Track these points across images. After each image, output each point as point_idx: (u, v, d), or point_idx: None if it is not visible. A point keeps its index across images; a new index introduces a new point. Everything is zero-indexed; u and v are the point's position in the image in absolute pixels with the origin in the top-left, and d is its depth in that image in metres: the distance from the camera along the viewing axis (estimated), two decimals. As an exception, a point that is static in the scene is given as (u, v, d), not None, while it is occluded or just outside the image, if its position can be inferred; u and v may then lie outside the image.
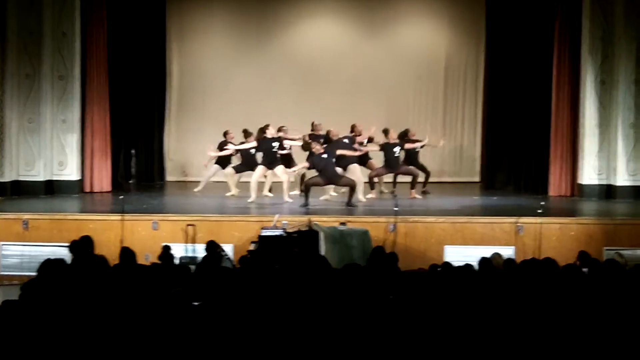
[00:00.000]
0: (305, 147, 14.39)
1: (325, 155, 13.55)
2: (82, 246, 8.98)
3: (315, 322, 5.43)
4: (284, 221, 11.70)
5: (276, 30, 18.31)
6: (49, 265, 6.66)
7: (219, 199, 14.59)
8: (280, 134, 14.57)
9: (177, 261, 9.84)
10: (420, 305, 6.04)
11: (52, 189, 14.88)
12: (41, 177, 14.80)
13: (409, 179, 15.22)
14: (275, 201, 14.08)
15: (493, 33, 17.56)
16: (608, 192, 14.93)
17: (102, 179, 15.55)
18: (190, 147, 17.98)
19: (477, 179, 18.17)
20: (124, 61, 16.75)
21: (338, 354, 5.12)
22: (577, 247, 10.88)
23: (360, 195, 14.09)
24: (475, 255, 8.91)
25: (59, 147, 14.99)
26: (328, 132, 14.68)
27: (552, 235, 12.05)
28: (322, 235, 11.29)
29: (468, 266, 7.65)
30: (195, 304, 5.99)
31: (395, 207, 12.04)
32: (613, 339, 5.39)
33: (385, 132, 14.96)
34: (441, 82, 18.41)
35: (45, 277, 6.46)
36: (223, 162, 15.16)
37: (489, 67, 17.70)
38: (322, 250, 11.11)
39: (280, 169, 14.26)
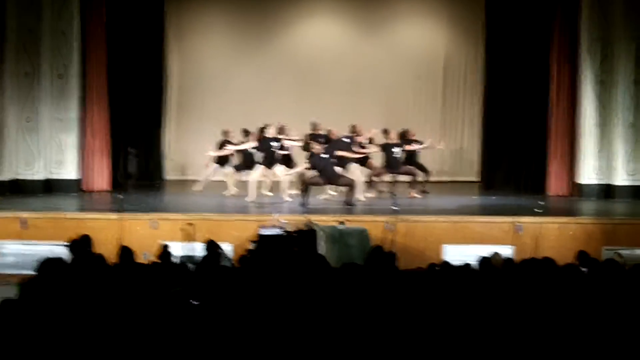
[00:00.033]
0: (305, 147, 14.39)
1: (325, 155, 13.56)
2: (81, 245, 8.99)
3: (314, 321, 5.43)
4: (283, 220, 11.69)
5: (276, 29, 18.32)
6: (48, 264, 6.65)
7: (218, 198, 14.59)
8: (282, 137, 14.54)
9: (175, 260, 9.83)
10: (419, 304, 6.04)
11: (50, 187, 14.88)
12: (40, 176, 14.80)
13: (408, 178, 15.23)
14: (274, 200, 14.08)
15: (492, 33, 17.58)
16: (607, 192, 14.95)
17: (101, 178, 15.54)
18: (190, 146, 18.00)
19: (476, 178, 18.18)
20: (123, 60, 16.74)
21: (337, 353, 5.12)
22: (576, 247, 10.87)
23: (359, 195, 14.10)
24: (474, 254, 8.91)
25: (58, 146, 14.99)
26: (328, 132, 14.70)
27: (551, 235, 12.05)
28: (320, 235, 11.29)
29: (467, 266, 7.65)
30: (194, 303, 5.98)
31: (394, 206, 12.03)
32: (612, 339, 5.39)
33: (385, 132, 14.98)
34: (440, 82, 18.43)
35: (43, 276, 6.45)
36: (222, 161, 15.16)
37: (488, 67, 17.71)
38: (321, 249, 11.11)
39: (279, 168, 14.26)
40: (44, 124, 14.80)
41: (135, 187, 16.44)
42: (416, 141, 15.44)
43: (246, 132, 14.76)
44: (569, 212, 13.55)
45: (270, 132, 14.31)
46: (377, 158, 15.26)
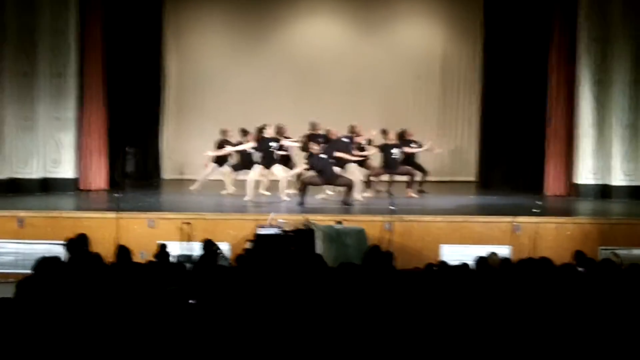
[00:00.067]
0: (304, 147, 14.40)
1: (323, 156, 13.57)
2: (78, 244, 9.00)
3: (311, 321, 5.43)
4: (280, 220, 11.69)
5: (274, 29, 18.31)
6: (45, 263, 6.66)
7: (215, 197, 14.58)
8: (282, 139, 14.52)
9: (173, 259, 9.83)
10: (417, 304, 6.04)
11: (47, 186, 14.85)
12: (37, 175, 14.77)
13: (406, 178, 15.23)
14: (271, 200, 14.07)
15: (490, 33, 17.59)
16: (604, 192, 14.96)
17: (98, 177, 15.52)
18: (188, 146, 17.99)
19: (473, 178, 18.19)
20: (121, 59, 16.71)
21: (334, 353, 5.12)
22: (573, 247, 10.88)
23: (357, 194, 14.10)
24: (471, 254, 8.92)
25: (55, 145, 14.96)
26: (327, 132, 14.70)
27: (548, 235, 12.06)
28: (318, 234, 11.29)
29: (464, 265, 7.66)
30: (191, 302, 5.98)
31: (392, 206, 12.04)
32: (609, 338, 5.39)
33: (384, 132, 14.98)
34: (438, 82, 18.43)
35: (40, 275, 6.45)
36: (220, 160, 15.15)
37: (486, 67, 17.73)
38: (319, 249, 11.11)
39: (277, 168, 14.26)
40: (42, 123, 14.78)
41: (133, 187, 16.44)
42: (414, 142, 15.44)
43: (244, 132, 14.75)
44: (566, 212, 13.56)
45: (269, 132, 14.30)
46: (375, 158, 15.25)
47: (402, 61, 18.24)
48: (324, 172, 13.52)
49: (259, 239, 11.12)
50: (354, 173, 14.31)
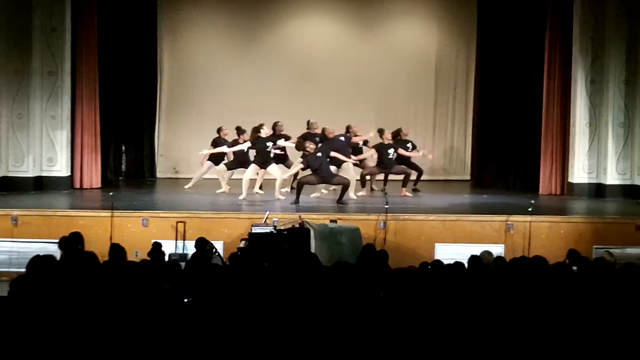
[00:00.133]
0: (299, 147, 14.40)
1: (319, 154, 13.57)
2: (72, 242, 8.97)
3: (305, 320, 5.43)
4: (274, 218, 11.69)
5: (269, 28, 18.27)
6: (38, 262, 6.64)
7: (209, 195, 14.56)
8: (278, 139, 14.51)
9: (167, 258, 9.82)
10: (411, 302, 6.04)
11: (41, 185, 14.81)
12: (30, 173, 14.73)
13: (400, 176, 15.23)
14: (266, 198, 14.07)
15: (484, 32, 17.62)
16: (598, 190, 14.98)
17: (92, 176, 15.47)
18: (182, 144, 17.97)
19: (467, 177, 18.22)
20: (115, 57, 16.70)
21: (328, 352, 5.12)
22: (567, 246, 10.91)
23: (352, 193, 14.10)
24: (465, 253, 8.94)
25: (49, 143, 14.92)
26: (323, 130, 14.71)
27: (541, 234, 12.09)
28: (312, 233, 11.29)
29: (458, 264, 7.67)
30: (186, 300, 5.98)
31: (386, 205, 12.05)
32: (602, 337, 5.40)
33: (380, 132, 14.99)
34: (433, 81, 18.41)
35: (34, 274, 6.44)
36: (216, 159, 15.13)
37: (480, 66, 17.75)
38: (313, 247, 11.11)
39: (273, 167, 14.26)
40: (35, 121, 14.74)
41: (127, 185, 16.43)
42: (409, 141, 15.44)
43: (240, 130, 14.73)
44: (560, 210, 13.58)
45: (265, 132, 14.29)
46: (371, 157, 15.27)
47: (397, 60, 18.22)
48: (320, 170, 13.52)
49: (253, 238, 11.11)
50: (350, 172, 14.32)
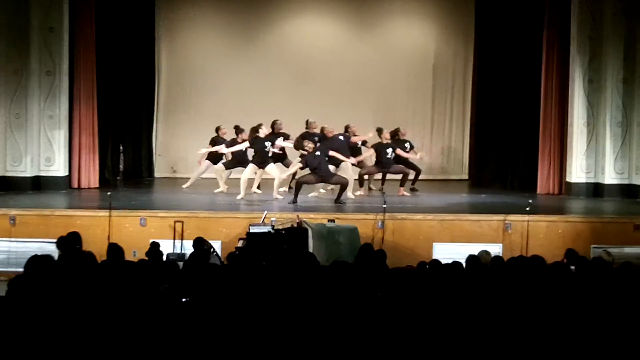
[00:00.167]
0: (298, 146, 14.40)
1: (318, 153, 13.57)
2: (70, 242, 8.96)
3: (303, 319, 5.43)
4: (272, 218, 11.69)
5: (267, 27, 18.26)
6: (36, 262, 6.64)
7: (207, 195, 14.56)
8: (277, 139, 14.51)
9: (164, 258, 9.82)
10: (409, 302, 6.04)
11: (39, 184, 14.79)
12: (28, 173, 14.71)
13: (398, 176, 15.23)
14: (264, 198, 14.07)
15: (482, 31, 17.65)
16: (596, 190, 14.99)
17: (89, 175, 15.46)
18: (180, 144, 17.96)
19: (465, 176, 18.23)
20: (113, 57, 16.68)
21: (326, 351, 5.12)
22: (565, 245, 10.92)
23: (349, 193, 14.11)
24: (463, 252, 8.95)
25: (47, 143, 14.91)
26: (322, 129, 14.72)
27: (539, 233, 12.10)
28: (310, 232, 11.29)
29: (456, 263, 7.67)
30: (183, 300, 5.98)
31: (384, 204, 12.05)
32: (600, 337, 5.41)
33: (379, 131, 14.99)
34: (431, 80, 18.41)
35: (32, 273, 6.43)
36: (215, 158, 15.12)
37: (478, 65, 17.78)
38: (311, 247, 11.12)
39: (272, 166, 14.25)
40: (33, 121, 14.72)
41: (125, 185, 16.43)
42: (406, 141, 15.44)
43: (238, 129, 14.73)
44: (558, 210, 13.59)
45: (263, 132, 14.29)
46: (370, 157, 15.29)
47: (395, 60, 18.22)
48: (318, 169, 13.52)
49: (251, 237, 11.11)
50: (348, 172, 14.32)
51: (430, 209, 13.08)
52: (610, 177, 14.89)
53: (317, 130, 14.88)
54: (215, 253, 10.34)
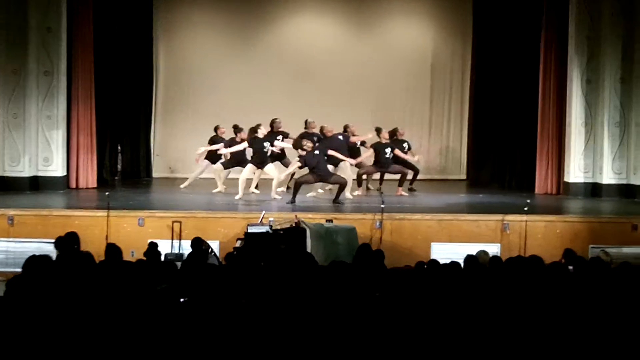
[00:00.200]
0: (297, 145, 14.39)
1: (317, 152, 13.57)
2: (68, 242, 8.97)
3: (301, 319, 5.43)
4: (270, 218, 11.69)
5: (265, 27, 18.25)
6: (34, 262, 6.64)
7: (205, 195, 14.56)
8: (275, 139, 14.50)
9: (163, 258, 9.82)
10: (407, 302, 6.04)
11: (37, 185, 14.78)
12: (26, 173, 14.70)
13: (396, 176, 15.23)
14: (262, 198, 14.07)
15: (480, 31, 17.66)
16: (594, 190, 14.99)
17: (87, 175, 15.46)
18: (177, 144, 17.95)
19: (463, 176, 18.24)
20: (111, 57, 16.68)
21: (325, 351, 5.12)
22: (563, 245, 10.94)
23: (348, 193, 14.11)
24: (461, 252, 8.95)
25: (45, 143, 14.90)
26: (322, 129, 14.72)
27: (537, 233, 12.10)
28: (308, 233, 11.29)
29: (454, 263, 7.67)
30: (181, 300, 5.98)
31: (382, 204, 12.05)
32: (598, 336, 5.41)
33: (378, 130, 14.99)
34: (428, 80, 18.42)
35: (30, 274, 6.43)
36: (213, 157, 15.11)
37: (476, 65, 17.79)
38: (309, 247, 11.12)
39: (270, 167, 14.25)
40: (31, 121, 14.71)
41: (123, 185, 16.42)
42: (405, 141, 15.43)
43: (237, 128, 14.72)
44: (556, 210, 13.59)
45: (262, 132, 14.29)
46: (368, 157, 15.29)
47: (393, 60, 18.22)
48: (317, 169, 13.51)
49: (249, 238, 11.11)
50: (347, 171, 14.32)
51: (428, 209, 13.08)
52: (608, 177, 14.90)
53: (316, 130, 14.88)
54: (213, 253, 10.34)
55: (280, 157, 14.93)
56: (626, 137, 14.87)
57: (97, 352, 5.05)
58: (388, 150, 14.77)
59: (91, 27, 15.37)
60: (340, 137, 14.62)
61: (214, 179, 15.07)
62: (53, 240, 9.24)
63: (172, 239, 11.73)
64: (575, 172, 15.12)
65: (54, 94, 14.85)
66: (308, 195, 14.30)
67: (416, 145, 16.41)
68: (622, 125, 14.86)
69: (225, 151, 14.66)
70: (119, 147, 17.63)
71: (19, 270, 6.63)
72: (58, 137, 14.96)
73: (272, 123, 14.87)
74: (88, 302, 5.72)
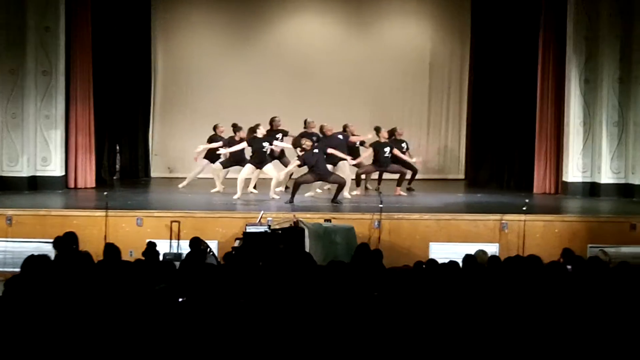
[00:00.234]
0: (296, 144, 14.39)
1: (316, 151, 13.57)
2: (66, 242, 8.96)
3: (299, 319, 5.43)
4: (269, 218, 11.69)
5: (263, 26, 18.24)
6: (33, 261, 6.64)
7: (204, 195, 14.56)
8: (274, 139, 14.49)
9: (161, 257, 9.82)
10: (405, 302, 6.05)
11: (35, 184, 14.77)
12: (25, 173, 14.69)
13: (395, 175, 15.23)
14: (260, 198, 14.07)
15: (478, 31, 17.66)
16: (592, 189, 15.00)
17: (86, 175, 15.45)
18: (176, 144, 17.93)
19: (461, 176, 18.23)
20: (109, 57, 16.67)
21: (323, 351, 5.12)
22: (561, 245, 10.93)
23: (346, 192, 14.11)
24: (460, 252, 8.94)
25: (43, 143, 14.89)
26: (321, 128, 14.71)
27: (536, 233, 12.10)
28: (307, 232, 11.29)
29: (453, 263, 7.67)
30: (180, 300, 5.98)
31: (381, 204, 12.05)
32: (596, 336, 5.41)
33: (377, 130, 14.98)
34: (427, 80, 18.42)
35: (28, 273, 6.43)
36: (212, 157, 15.10)
37: (474, 65, 17.79)
38: (307, 247, 11.11)
39: (269, 167, 14.25)
40: (29, 121, 14.70)
41: (121, 185, 16.41)
42: (403, 141, 15.43)
43: (236, 127, 14.72)
44: (554, 209, 13.60)
45: (261, 132, 14.29)
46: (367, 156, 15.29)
47: (392, 60, 18.21)
48: (316, 168, 13.50)
49: (247, 237, 11.11)
50: (346, 171, 14.32)
51: (426, 209, 13.08)
52: (606, 177, 14.91)
53: (316, 130, 14.88)
54: (211, 253, 10.34)
55: (279, 156, 14.93)
56: (624, 136, 14.89)
57: (96, 352, 5.05)
58: (387, 149, 14.77)
59: (89, 27, 15.36)
60: (340, 136, 14.63)
61: (212, 178, 15.07)
62: (51, 240, 9.24)
63: (171, 239, 11.72)
64: (574, 172, 15.13)
65: (53, 93, 14.84)
66: (306, 195, 14.30)
67: (415, 145, 16.42)
68: (621, 125, 14.88)
69: (224, 151, 14.65)
70: (118, 147, 17.62)
71: (18, 270, 6.64)
72: (56, 137, 14.95)
73: (272, 121, 14.88)
74: (87, 302, 5.72)
